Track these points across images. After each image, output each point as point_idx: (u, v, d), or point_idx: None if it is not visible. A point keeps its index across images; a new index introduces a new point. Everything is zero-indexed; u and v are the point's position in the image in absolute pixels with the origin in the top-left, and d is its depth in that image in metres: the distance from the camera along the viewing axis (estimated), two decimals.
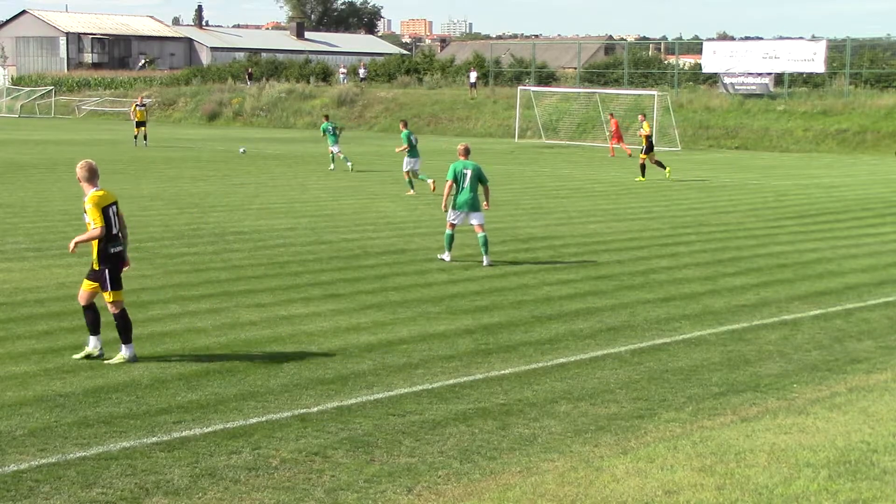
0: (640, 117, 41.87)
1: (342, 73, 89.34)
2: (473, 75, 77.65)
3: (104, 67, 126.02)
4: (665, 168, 39.49)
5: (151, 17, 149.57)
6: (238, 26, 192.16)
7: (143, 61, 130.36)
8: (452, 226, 20.29)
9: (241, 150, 50.66)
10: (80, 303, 12.85)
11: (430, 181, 32.19)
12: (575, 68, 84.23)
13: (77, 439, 9.98)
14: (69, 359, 12.78)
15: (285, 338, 14.08)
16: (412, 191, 32.80)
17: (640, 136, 40.08)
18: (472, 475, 9.28)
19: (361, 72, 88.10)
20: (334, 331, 14.51)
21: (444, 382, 12.12)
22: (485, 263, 19.88)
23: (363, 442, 10.06)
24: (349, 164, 41.00)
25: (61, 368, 12.37)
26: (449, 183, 20.17)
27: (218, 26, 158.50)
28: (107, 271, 12.58)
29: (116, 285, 12.72)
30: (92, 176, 12.78)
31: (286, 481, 9.09)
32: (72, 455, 9.57)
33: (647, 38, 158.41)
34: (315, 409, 11.05)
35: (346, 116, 77.08)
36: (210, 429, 10.35)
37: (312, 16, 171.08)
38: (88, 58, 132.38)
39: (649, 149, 39.44)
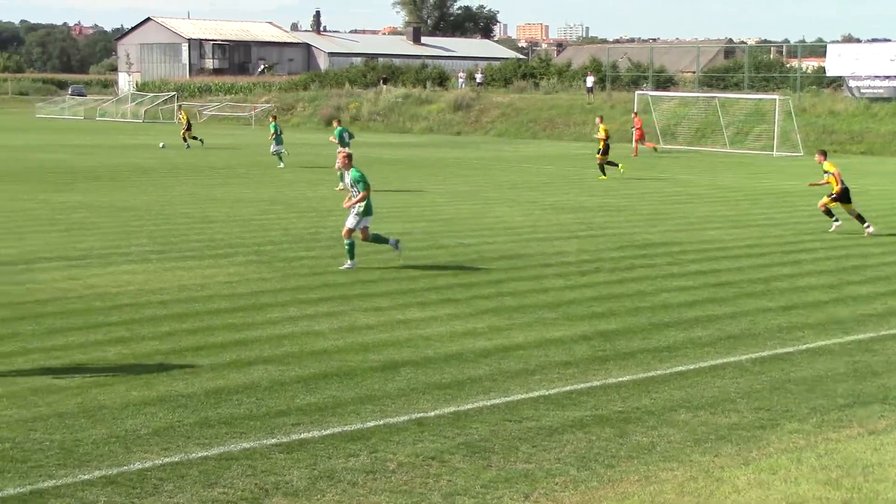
0: (597, 119, 44.19)
1: (460, 78, 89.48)
2: (590, 80, 77.16)
3: (224, 73, 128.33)
4: (618, 165, 41.13)
5: (271, 23, 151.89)
6: (355, 31, 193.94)
7: (262, 67, 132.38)
8: (363, 231, 19.78)
9: (161, 145, 55.16)
10: None
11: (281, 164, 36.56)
12: (694, 72, 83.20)
13: (199, 439, 10.14)
14: (192, 360, 13.00)
15: (402, 342, 14.13)
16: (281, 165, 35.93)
17: (598, 138, 42.19)
18: (590, 483, 9.19)
19: (479, 76, 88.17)
20: (451, 335, 14.52)
21: (561, 389, 12.04)
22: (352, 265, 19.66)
23: (480, 447, 10.04)
24: (281, 164, 43.93)
25: (184, 369, 12.59)
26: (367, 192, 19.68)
27: (335, 31, 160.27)
28: None
29: None
30: None
31: (403, 485, 9.11)
32: (194, 455, 9.72)
33: (769, 41, 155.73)
34: (432, 413, 11.06)
35: (462, 121, 77.26)
36: (328, 431, 10.43)
37: (429, 21, 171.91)
38: (209, 63, 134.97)
39: (605, 151, 41.19)
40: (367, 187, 19.68)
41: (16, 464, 9.43)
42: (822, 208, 26.03)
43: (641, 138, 55.24)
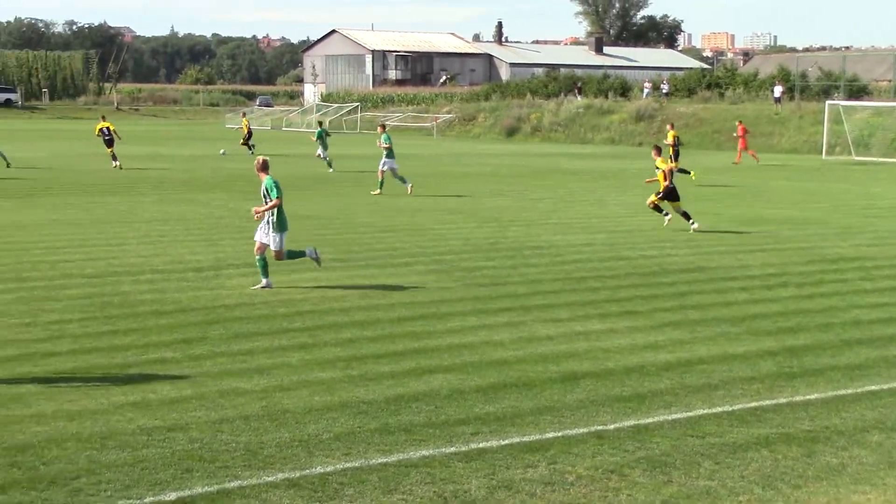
0: (667, 126, 44.96)
1: (646, 88, 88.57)
2: (778, 89, 75.35)
3: (407, 84, 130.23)
4: (690, 172, 41.37)
5: (453, 34, 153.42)
6: (537, 42, 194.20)
7: (444, 77, 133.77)
8: (277, 252, 18.42)
9: (222, 151, 56.66)
10: None
11: (408, 185, 35.97)
12: (890, 81, 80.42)
13: (379, 445, 10.23)
14: (373, 367, 13.15)
15: (581, 353, 14.01)
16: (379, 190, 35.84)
17: (666, 144, 42.66)
18: (775, 502, 8.91)
19: (664, 87, 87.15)
20: (631, 348, 14.33)
21: (746, 405, 11.73)
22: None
23: (660, 462, 9.85)
24: (331, 169, 45.63)
25: (364, 376, 12.75)
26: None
27: (517, 42, 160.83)
28: None
29: None
30: None
31: (582, 498, 9.00)
32: (374, 461, 9.81)
33: None
34: (612, 426, 10.92)
35: (644, 132, 76.46)
36: (507, 441, 10.39)
37: (611, 30, 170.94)
38: (392, 74, 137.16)
39: (676, 157, 41.66)
40: (279, 196, 18.16)
41: (204, 463, 9.68)
42: (651, 206, 27.15)
43: (745, 146, 54.47)
